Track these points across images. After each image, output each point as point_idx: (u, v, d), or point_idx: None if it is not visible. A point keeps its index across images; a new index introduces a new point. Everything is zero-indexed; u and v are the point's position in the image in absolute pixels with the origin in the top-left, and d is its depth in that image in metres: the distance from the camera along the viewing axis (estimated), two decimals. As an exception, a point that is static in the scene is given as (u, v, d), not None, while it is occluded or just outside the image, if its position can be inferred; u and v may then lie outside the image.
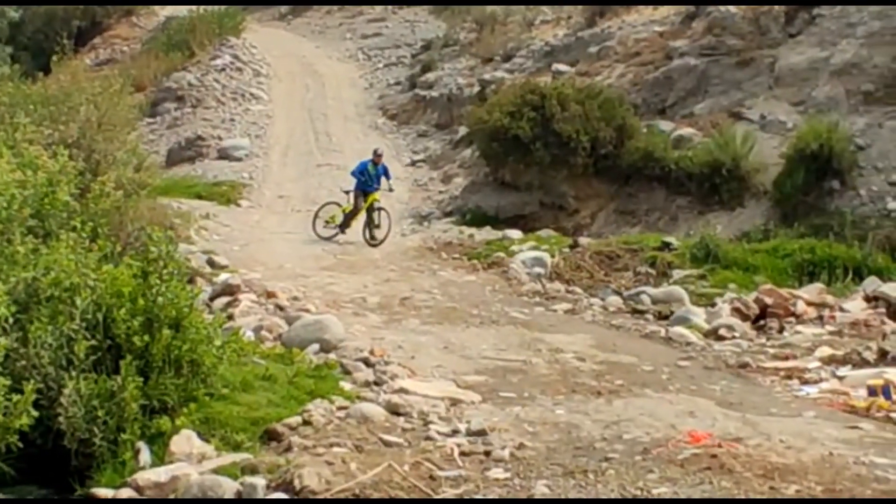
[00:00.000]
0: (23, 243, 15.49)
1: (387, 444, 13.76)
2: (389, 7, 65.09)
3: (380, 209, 31.65)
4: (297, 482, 12.39)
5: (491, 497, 12.06)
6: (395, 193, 34.48)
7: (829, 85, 34.07)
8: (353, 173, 32.89)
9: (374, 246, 30.71)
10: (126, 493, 12.58)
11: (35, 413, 13.00)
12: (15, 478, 13.07)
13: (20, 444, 12.87)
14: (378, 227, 31.23)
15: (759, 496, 12.32)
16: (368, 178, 31.90)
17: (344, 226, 32.07)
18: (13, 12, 61.40)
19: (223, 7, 62.11)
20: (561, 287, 26.78)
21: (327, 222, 32.25)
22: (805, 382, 18.48)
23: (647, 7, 46.21)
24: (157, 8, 67.23)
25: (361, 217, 31.92)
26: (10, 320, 13.69)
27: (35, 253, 15.20)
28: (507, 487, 12.36)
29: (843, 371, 18.87)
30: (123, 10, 64.65)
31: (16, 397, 12.76)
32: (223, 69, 52.09)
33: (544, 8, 54.06)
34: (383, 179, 32.88)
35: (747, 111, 35.16)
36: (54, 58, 34.44)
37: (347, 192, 32.49)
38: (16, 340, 13.66)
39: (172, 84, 49.93)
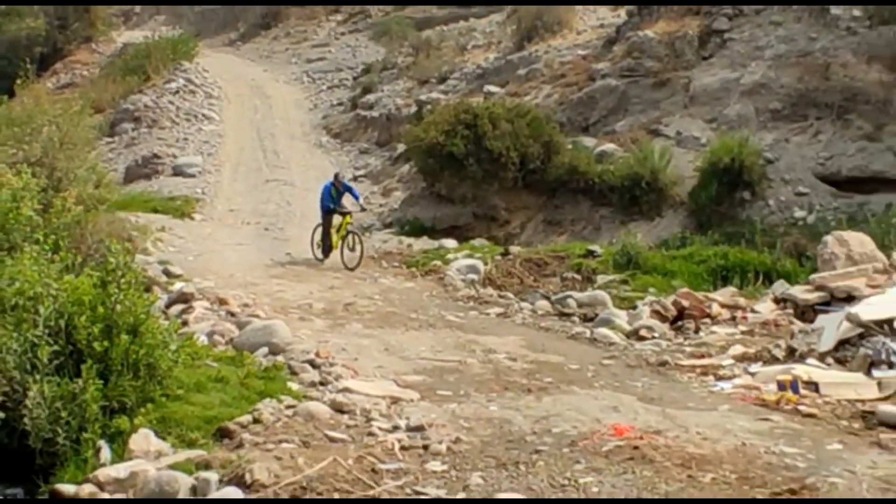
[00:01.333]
0: (-14, 253, 15.42)
1: (332, 439, 13.78)
2: (332, 33, 65.06)
3: (353, 232, 30.31)
4: (248, 476, 12.38)
5: (430, 488, 12.06)
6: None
7: (740, 104, 34.29)
8: (321, 203, 31.07)
9: (351, 269, 29.30)
10: (88, 488, 12.55)
11: (1, 414, 12.96)
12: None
13: (-14, 445, 12.83)
14: (352, 250, 29.85)
15: (678, 485, 12.39)
16: (333, 201, 30.67)
17: (326, 251, 30.62)
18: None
19: (176, 34, 62.06)
20: (493, 292, 26.79)
21: (318, 245, 31.08)
22: (720, 378, 18.57)
23: (570, 32, 46.45)
24: (114, 34, 66.94)
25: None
26: (-26, 327, 13.66)
27: (0, 264, 15.09)
28: (445, 479, 12.40)
29: (755, 367, 18.97)
30: (83, 36, 64.30)
31: (-23, 403, 12.73)
32: (177, 92, 51.81)
33: (475, 33, 54.19)
34: (353, 200, 31.75)
35: (664, 128, 35.33)
36: (18, 82, 34.16)
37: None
38: (-17, 351, 13.62)
39: (129, 106, 49.57)
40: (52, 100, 30.79)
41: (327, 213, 30.32)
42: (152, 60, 54.54)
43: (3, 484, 13.15)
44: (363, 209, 33.25)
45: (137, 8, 79.36)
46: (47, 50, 61.73)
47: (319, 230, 30.95)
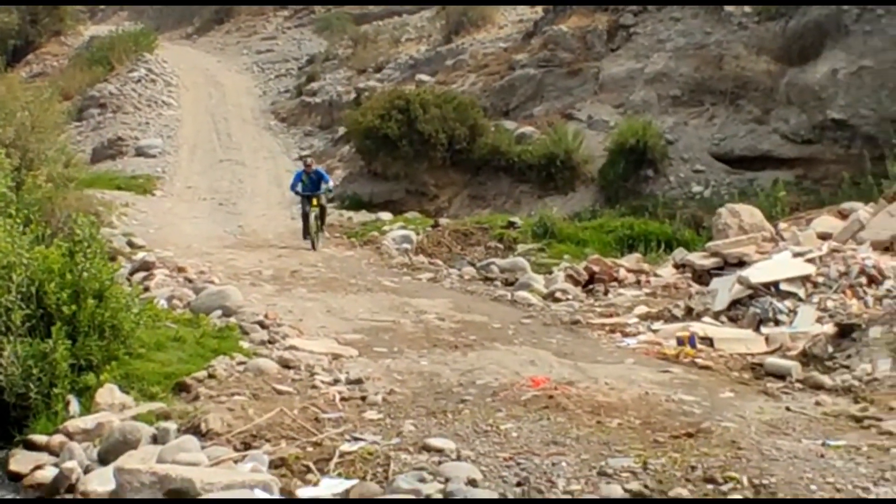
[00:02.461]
0: (-37, 226, 15.30)
1: (279, 392, 13.79)
2: (279, 27, 64.74)
3: (321, 212, 28.65)
4: (203, 425, 12.38)
5: (367, 435, 12.06)
6: (283, 182, 33.40)
7: (644, 91, 34.42)
8: (292, 188, 29.66)
9: (314, 248, 27.73)
10: (58, 438, 12.51)
11: (-23, 372, 12.86)
12: (-42, 428, 12.97)
13: (-36, 400, 12.80)
14: (320, 231, 28.41)
15: (588, 429, 12.44)
16: (307, 186, 28.70)
17: (306, 233, 28.41)
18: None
19: (137, 28, 61.56)
20: (424, 259, 26.80)
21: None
22: (626, 335, 18.69)
23: (493, 26, 46.44)
24: (81, 28, 66.21)
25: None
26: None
27: (-25, 236, 14.97)
28: (380, 426, 12.41)
29: (657, 325, 19.12)
30: (52, 30, 63.62)
31: (-42, 360, 12.70)
32: (139, 80, 51.25)
33: (408, 27, 54.08)
34: (322, 184, 29.14)
35: (577, 112, 35.39)
36: (-7, 71, 33.80)
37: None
38: (-40, 312, 13.59)
39: (96, 93, 49.01)
40: (24, 88, 30.44)
41: (302, 198, 28.81)
42: (116, 52, 54.02)
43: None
44: (330, 191, 30.82)
45: (102, 5, 78.50)
46: (20, 42, 60.99)
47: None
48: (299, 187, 28.38)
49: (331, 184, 30.47)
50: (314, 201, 27.87)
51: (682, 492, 10.79)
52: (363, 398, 13.53)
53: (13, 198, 17.71)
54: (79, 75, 52.31)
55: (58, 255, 14.59)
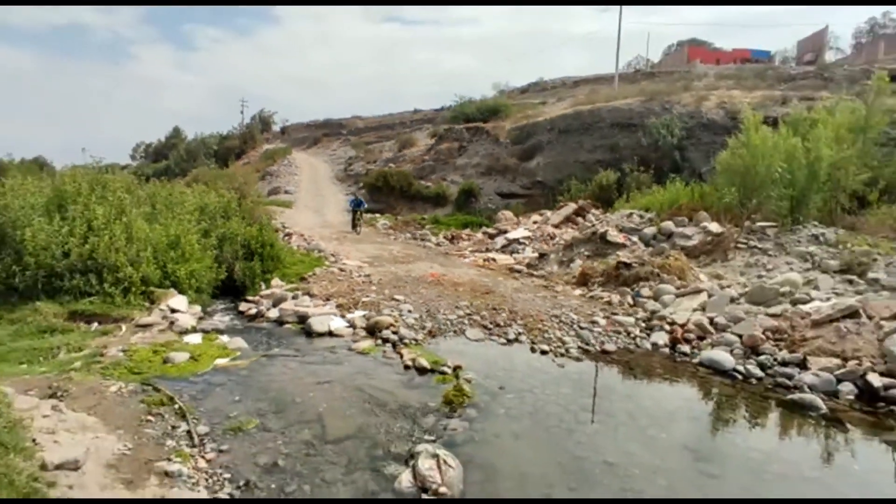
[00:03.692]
0: (219, 220, 14.93)
1: (339, 280, 13.61)
2: (338, 146, 63.04)
3: (361, 217, 25.54)
4: (311, 292, 12.20)
5: (372, 295, 11.98)
6: (341, 204, 32.62)
7: (471, 170, 34.30)
8: (349, 203, 27.42)
9: (358, 234, 24.59)
10: (257, 298, 12.27)
11: (225, 273, 12.61)
12: (219, 295, 12.70)
13: (221, 284, 12.54)
14: (360, 225, 25.40)
15: (451, 292, 12.49)
16: (355, 205, 26.02)
17: (353, 223, 25.47)
18: (214, 146, 57.96)
19: (283, 146, 59.76)
20: (393, 231, 26.55)
21: (351, 224, 26.23)
22: (465, 258, 18.71)
23: (416, 146, 45.87)
24: (262, 145, 63.85)
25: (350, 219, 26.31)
26: (216, 244, 13.34)
27: (224, 224, 14.62)
28: (377, 292, 12.35)
29: (477, 254, 19.15)
30: (251, 145, 61.42)
31: (219, 269, 12.43)
32: (285, 165, 49.54)
33: (385, 146, 53.15)
34: (362, 204, 26.59)
35: (447, 178, 35.16)
36: (229, 162, 32.67)
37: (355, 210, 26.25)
38: (219, 252, 13.27)
39: (269, 170, 47.37)
40: (241, 169, 29.59)
41: (352, 210, 26.46)
42: (275, 156, 52.53)
43: (228, 298, 12.79)
44: (365, 209, 27.30)
45: (269, 136, 75.65)
46: (239, 151, 59.00)
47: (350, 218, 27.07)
48: (351, 205, 27.95)
49: (365, 205, 29.48)
50: (357, 212, 26.92)
51: (485, 313, 10.96)
52: (371, 282, 13.32)
53: (237, 208, 17.26)
54: (262, 163, 50.41)
55: (255, 230, 14.28)
